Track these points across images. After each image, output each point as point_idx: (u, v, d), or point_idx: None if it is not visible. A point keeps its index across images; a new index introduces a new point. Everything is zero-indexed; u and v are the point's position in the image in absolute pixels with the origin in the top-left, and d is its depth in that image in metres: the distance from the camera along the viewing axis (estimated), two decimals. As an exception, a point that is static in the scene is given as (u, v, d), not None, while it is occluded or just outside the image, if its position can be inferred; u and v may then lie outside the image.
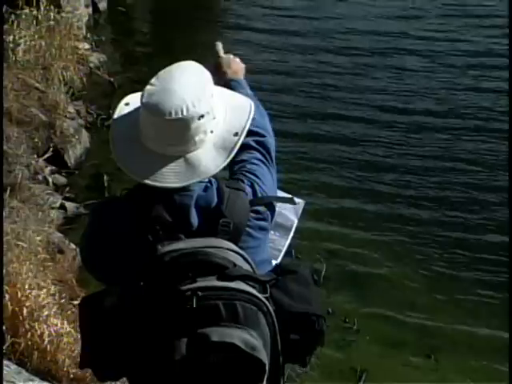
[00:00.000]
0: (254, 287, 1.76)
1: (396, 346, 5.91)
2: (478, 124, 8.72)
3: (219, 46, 2.38)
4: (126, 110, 1.95)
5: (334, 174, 7.82)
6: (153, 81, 1.86)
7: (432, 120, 8.84)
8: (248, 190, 1.93)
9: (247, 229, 1.89)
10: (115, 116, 1.95)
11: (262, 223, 1.95)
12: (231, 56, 2.34)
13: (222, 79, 2.20)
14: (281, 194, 2.24)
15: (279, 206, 2.14)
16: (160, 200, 1.84)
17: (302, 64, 9.82)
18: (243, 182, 1.96)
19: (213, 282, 1.72)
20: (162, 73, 1.88)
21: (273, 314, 1.77)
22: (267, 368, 1.72)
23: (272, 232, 2.16)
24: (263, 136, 2.09)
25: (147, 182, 1.82)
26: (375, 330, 6.01)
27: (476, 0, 11.66)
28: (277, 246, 2.23)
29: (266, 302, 1.77)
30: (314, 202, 7.12)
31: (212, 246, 1.78)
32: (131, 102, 1.95)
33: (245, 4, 11.56)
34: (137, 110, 1.89)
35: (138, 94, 1.91)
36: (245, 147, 2.02)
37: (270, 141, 2.12)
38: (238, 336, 1.68)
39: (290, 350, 1.82)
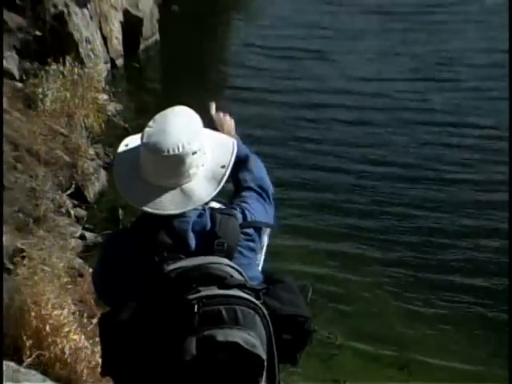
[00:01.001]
0: (249, 294, 1.77)
1: (374, 360, 5.90)
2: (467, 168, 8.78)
3: (212, 105, 2.34)
4: (123, 152, 1.97)
5: (321, 219, 7.81)
6: (150, 123, 1.88)
7: (419, 162, 8.87)
8: (238, 215, 1.94)
9: (239, 248, 1.89)
10: (117, 155, 1.99)
11: (251, 244, 1.96)
12: (221, 114, 2.31)
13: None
14: None
15: None
16: (162, 227, 1.85)
17: (283, 118, 9.89)
18: (235, 209, 1.97)
19: (214, 290, 1.74)
20: (157, 116, 1.90)
21: (267, 316, 1.78)
22: (265, 364, 1.73)
23: None
24: (261, 187, 2.12)
25: (149, 210, 1.84)
26: (355, 345, 6.00)
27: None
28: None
29: (262, 307, 1.77)
30: (304, 242, 7.24)
31: (211, 262, 1.79)
32: (130, 143, 1.97)
33: (240, 67, 11.51)
34: (135, 149, 1.92)
35: (136, 136, 1.94)
36: (243, 190, 2.08)
37: (268, 185, 2.15)
38: (239, 336, 1.69)
39: (283, 348, 1.83)
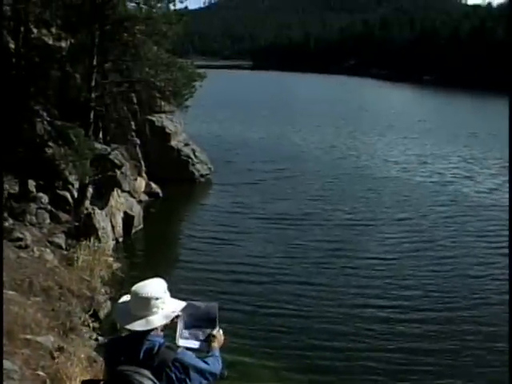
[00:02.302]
0: None
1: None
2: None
3: (221, 334, 2.13)
4: (122, 302, 2.04)
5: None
6: (135, 286, 1.97)
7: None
8: (179, 351, 1.88)
9: (167, 369, 1.85)
10: (117, 305, 2.04)
11: (176, 372, 1.86)
12: (221, 334, 2.15)
13: (212, 346, 2.09)
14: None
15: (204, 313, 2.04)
16: (129, 346, 1.92)
17: (223, 272, 9.19)
18: (181, 350, 1.90)
19: None
20: (140, 283, 1.97)
21: None
22: None
23: (202, 330, 2.04)
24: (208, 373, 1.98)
25: (127, 327, 1.92)
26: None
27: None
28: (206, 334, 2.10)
29: None
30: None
31: (138, 373, 1.82)
32: (124, 299, 2.05)
33: (189, 249, 10.46)
34: (126, 301, 2.01)
35: (127, 296, 2.01)
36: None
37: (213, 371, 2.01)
38: None
39: None
